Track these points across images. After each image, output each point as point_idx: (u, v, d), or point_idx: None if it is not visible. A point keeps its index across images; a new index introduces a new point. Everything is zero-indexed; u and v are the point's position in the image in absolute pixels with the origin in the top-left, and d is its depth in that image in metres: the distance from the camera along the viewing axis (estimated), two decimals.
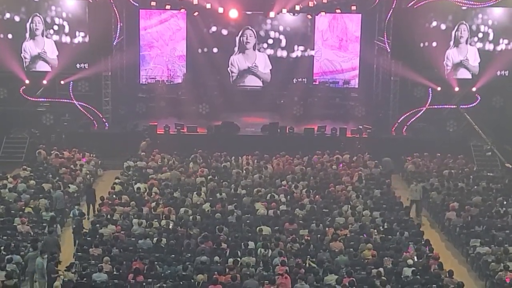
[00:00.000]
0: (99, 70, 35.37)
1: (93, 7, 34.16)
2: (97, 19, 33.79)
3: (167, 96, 37.41)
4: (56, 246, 21.65)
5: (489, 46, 35.53)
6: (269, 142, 33.68)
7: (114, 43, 35.23)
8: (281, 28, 39.08)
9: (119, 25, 35.78)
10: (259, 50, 39.12)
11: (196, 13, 37.16)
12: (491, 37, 35.36)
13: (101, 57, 35.02)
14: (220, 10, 35.68)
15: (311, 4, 35.82)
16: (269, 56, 39.15)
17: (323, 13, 37.23)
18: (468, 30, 35.45)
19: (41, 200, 24.80)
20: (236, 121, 35.46)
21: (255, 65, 39.05)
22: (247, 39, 38.90)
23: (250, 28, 38.91)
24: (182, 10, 37.38)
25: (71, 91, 35.75)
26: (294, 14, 37.05)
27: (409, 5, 34.84)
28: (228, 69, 39.05)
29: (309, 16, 37.50)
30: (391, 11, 35.33)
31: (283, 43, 39.15)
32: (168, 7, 36.70)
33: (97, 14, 33.98)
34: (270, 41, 39.08)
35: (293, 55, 39.20)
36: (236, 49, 39.10)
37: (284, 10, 35.84)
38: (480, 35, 35.49)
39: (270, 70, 38.99)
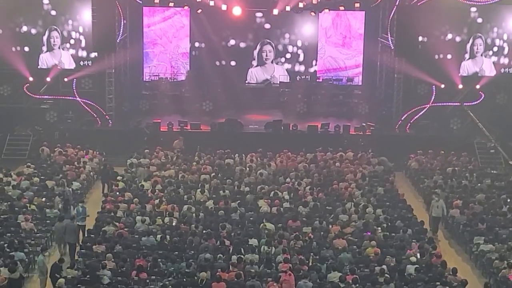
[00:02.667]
0: (103, 68, 35.39)
1: (97, 4, 34.12)
2: (101, 17, 33.76)
3: (171, 93, 37.44)
4: (74, 233, 22.13)
5: (504, 60, 35.70)
6: (272, 139, 33.66)
7: (118, 41, 35.23)
8: (299, 43, 39.14)
9: (122, 22, 35.78)
10: (277, 63, 39.25)
11: (199, 11, 37.15)
12: (506, 51, 35.52)
13: (105, 54, 35.02)
14: (224, 7, 35.67)
15: (314, 1, 35.81)
16: (287, 70, 39.27)
17: (326, 11, 37.22)
18: (483, 43, 35.53)
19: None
20: (240, 118, 35.46)
21: (273, 76, 39.16)
22: (267, 55, 39.15)
23: (269, 41, 39.00)
24: (186, 8, 37.38)
25: (74, 88, 35.80)
26: (297, 12, 36.94)
27: (413, 2, 34.80)
28: (246, 82, 39.17)
29: (313, 14, 37.44)
30: (394, 8, 35.28)
31: (301, 58, 39.27)
32: (171, 4, 36.71)
33: (101, 12, 33.95)
34: (288, 56, 39.26)
35: (311, 70, 39.31)
36: (254, 62, 39.22)
37: (288, 8, 35.81)
38: (495, 48, 35.64)
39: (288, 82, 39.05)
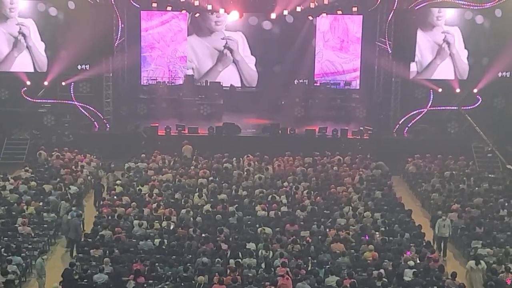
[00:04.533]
0: (101, 71, 35.39)
1: (94, 8, 34.13)
2: (99, 20, 33.75)
3: (168, 97, 37.45)
4: (76, 230, 22.74)
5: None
6: (270, 143, 33.63)
7: (116, 44, 35.23)
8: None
9: (120, 26, 35.78)
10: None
11: (197, 14, 37.16)
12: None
13: (103, 58, 35.01)
14: (221, 11, 35.69)
15: (312, 5, 35.73)
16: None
17: (324, 15, 37.20)
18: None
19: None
20: (237, 122, 35.44)
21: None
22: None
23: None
24: (183, 11, 37.40)
25: (72, 92, 35.76)
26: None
27: (410, 6, 34.85)
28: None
29: (311, 18, 37.48)
30: (392, 12, 35.33)
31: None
32: (169, 8, 36.64)
33: (99, 15, 33.95)
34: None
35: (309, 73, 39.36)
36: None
37: (285, 12, 35.82)
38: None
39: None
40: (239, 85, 39.72)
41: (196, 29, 39.20)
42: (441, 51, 35.98)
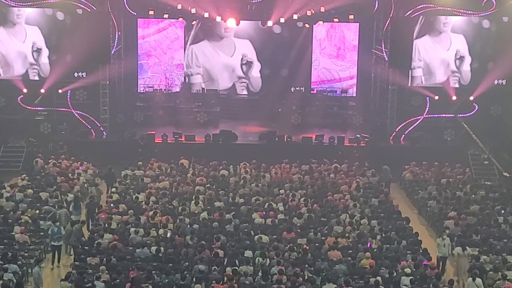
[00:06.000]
0: (97, 79, 35.36)
1: (91, 16, 34.16)
2: (95, 28, 33.77)
3: (165, 104, 37.48)
4: (77, 238, 22.67)
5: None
6: (267, 150, 33.65)
7: (112, 52, 35.24)
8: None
9: (117, 34, 35.78)
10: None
11: (194, 22, 37.22)
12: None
13: (99, 66, 35.01)
14: (218, 19, 35.77)
15: (309, 13, 35.92)
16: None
17: (321, 22, 37.37)
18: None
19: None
20: (234, 129, 35.45)
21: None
22: None
23: None
24: (180, 19, 37.45)
25: (69, 99, 35.74)
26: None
27: (407, 14, 34.95)
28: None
29: (307, 25, 37.56)
30: (388, 20, 35.45)
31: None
32: (166, 16, 36.79)
33: (95, 23, 33.98)
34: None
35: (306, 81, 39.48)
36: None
37: (282, 19, 35.91)
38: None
39: None
40: (246, 93, 39.84)
41: (207, 35, 39.02)
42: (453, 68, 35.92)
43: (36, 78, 35.51)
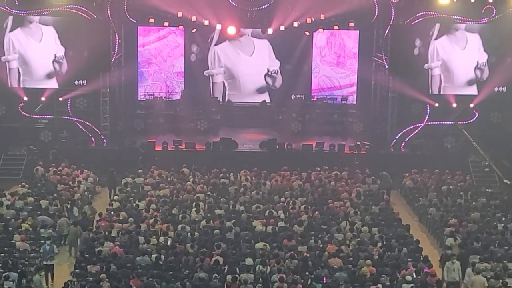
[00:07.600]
0: (98, 87, 35.37)
1: (91, 24, 34.21)
2: (96, 36, 33.82)
3: (165, 112, 37.52)
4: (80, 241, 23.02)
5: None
6: (267, 158, 33.68)
7: (113, 60, 35.28)
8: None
9: (117, 41, 35.82)
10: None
11: (194, 30, 37.30)
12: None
13: (100, 74, 35.05)
14: (218, 27, 35.83)
15: (309, 21, 36.00)
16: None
17: (321, 30, 37.44)
18: None
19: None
20: (235, 137, 35.46)
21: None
22: None
23: None
24: (180, 27, 37.52)
25: (69, 107, 35.76)
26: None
27: (407, 21, 35.01)
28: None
29: (307, 33, 37.62)
30: (388, 27, 35.49)
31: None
32: (166, 24, 36.85)
33: (96, 31, 34.03)
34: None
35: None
36: None
37: (282, 27, 35.99)
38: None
39: None
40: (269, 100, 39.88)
41: (228, 36, 38.56)
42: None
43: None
